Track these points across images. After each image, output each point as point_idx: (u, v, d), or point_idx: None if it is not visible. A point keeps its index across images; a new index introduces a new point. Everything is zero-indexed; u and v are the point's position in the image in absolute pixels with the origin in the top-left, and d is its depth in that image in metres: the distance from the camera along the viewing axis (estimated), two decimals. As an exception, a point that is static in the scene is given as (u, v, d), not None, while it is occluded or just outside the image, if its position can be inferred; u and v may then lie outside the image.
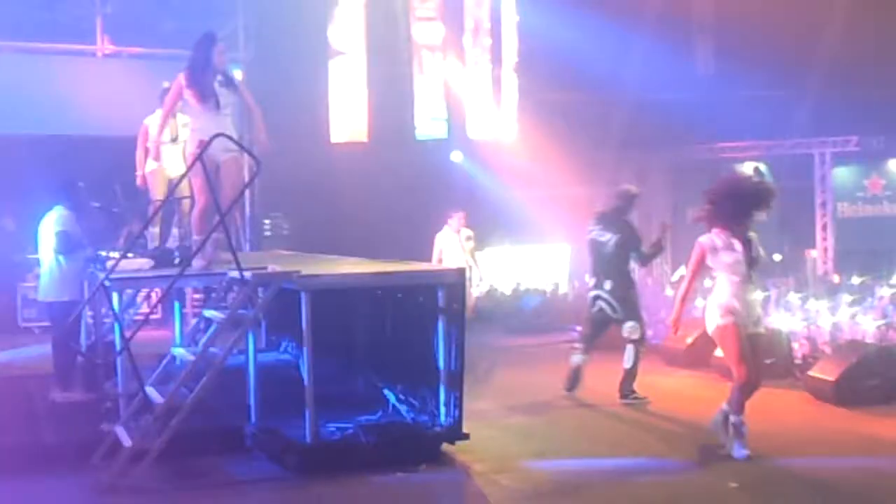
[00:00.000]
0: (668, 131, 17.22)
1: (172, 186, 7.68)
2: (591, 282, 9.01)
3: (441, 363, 6.83)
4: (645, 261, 9.23)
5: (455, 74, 17.65)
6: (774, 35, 17.94)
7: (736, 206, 6.72)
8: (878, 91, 17.34)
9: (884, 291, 12.63)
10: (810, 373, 8.94)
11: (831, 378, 8.53)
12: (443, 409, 6.86)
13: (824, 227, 18.02)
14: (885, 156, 18.68)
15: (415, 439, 6.83)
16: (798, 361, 9.77)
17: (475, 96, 17.96)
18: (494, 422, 7.99)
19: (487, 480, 6.32)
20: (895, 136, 17.33)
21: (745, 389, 6.68)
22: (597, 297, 8.88)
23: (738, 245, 6.70)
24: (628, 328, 8.75)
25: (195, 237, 7.21)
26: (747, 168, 18.36)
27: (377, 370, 7.82)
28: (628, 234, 8.89)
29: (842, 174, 18.74)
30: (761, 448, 6.80)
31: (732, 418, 6.69)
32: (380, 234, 14.07)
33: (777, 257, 18.82)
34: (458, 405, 6.78)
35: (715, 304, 6.77)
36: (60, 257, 8.28)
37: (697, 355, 10.20)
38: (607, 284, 8.79)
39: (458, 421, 6.79)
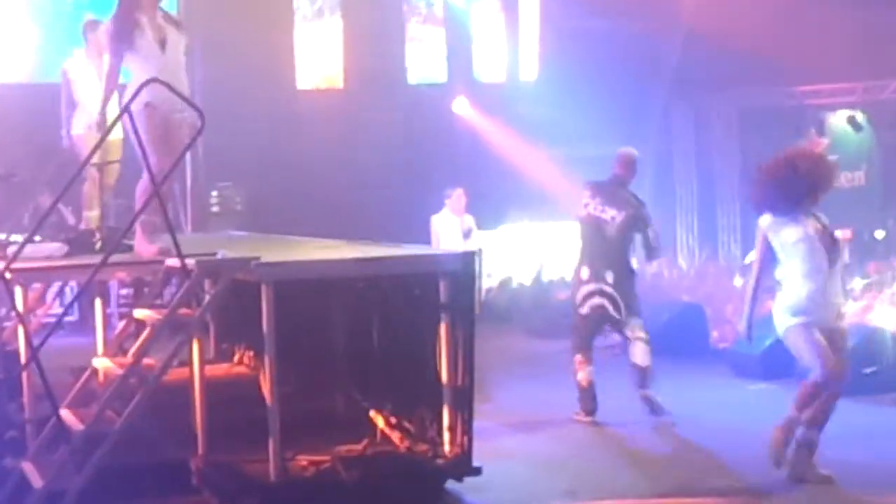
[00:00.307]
0: (735, 68, 17.13)
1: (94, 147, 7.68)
2: (585, 273, 9.04)
3: (444, 376, 6.85)
4: (652, 254, 9.31)
5: (458, -1, 17.64)
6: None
7: (785, 193, 7.10)
8: None
9: None
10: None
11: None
12: (446, 436, 6.88)
13: (941, 194, 17.99)
14: None
15: (411, 475, 6.85)
16: (908, 370, 9.82)
17: (484, 27, 17.89)
18: (513, 452, 8.03)
19: (505, 528, 6.38)
20: None
21: (821, 388, 6.93)
22: (595, 293, 8.97)
23: (804, 219, 7.08)
24: (635, 327, 8.95)
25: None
26: (839, 119, 18.42)
27: (361, 385, 7.85)
28: (639, 210, 9.00)
29: (961, 124, 18.68)
30: (860, 484, 6.90)
31: (803, 433, 6.99)
32: (362, 209, 14.10)
33: (879, 234, 18.79)
34: (467, 431, 6.80)
35: (783, 302, 7.16)
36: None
37: (775, 363, 10.20)
38: (609, 276, 8.92)
39: (467, 451, 6.81)
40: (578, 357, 9.07)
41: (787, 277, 7.17)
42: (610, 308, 8.93)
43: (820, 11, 17.12)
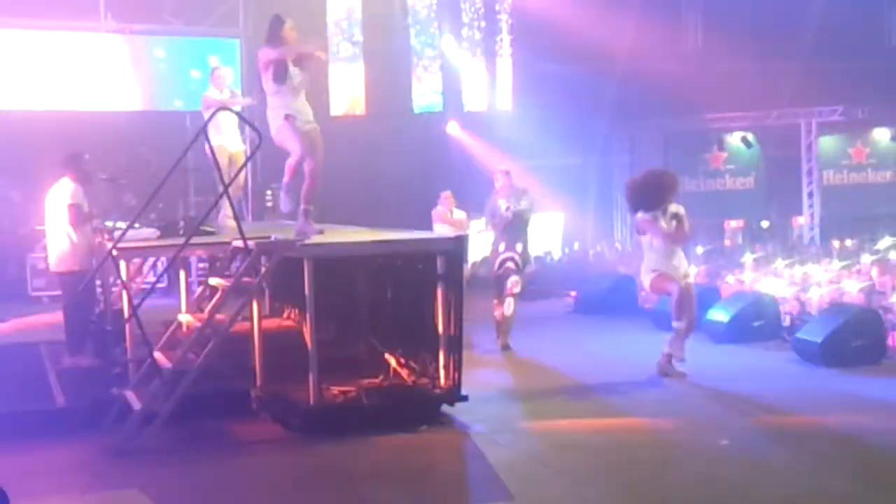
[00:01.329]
0: (658, 102, 17.15)
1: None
2: (502, 247, 9.67)
3: (440, 328, 6.84)
4: None
5: (451, 46, 17.52)
6: (761, 8, 17.90)
7: (651, 196, 8.13)
8: (861, 62, 17.31)
9: (866, 258, 12.67)
10: (798, 335, 8.98)
11: (817, 339, 8.57)
12: (442, 373, 6.88)
13: (810, 195, 18.00)
14: (869, 125, 18.62)
15: (415, 401, 6.87)
16: (786, 325, 9.82)
17: (471, 68, 17.83)
18: (492, 385, 8.02)
19: (486, 440, 6.35)
20: (879, 105, 17.25)
21: (683, 302, 8.01)
22: (508, 259, 9.64)
23: (658, 212, 8.08)
24: (513, 282, 9.61)
25: (303, 206, 7.33)
26: (735, 139, 18.46)
27: (378, 335, 7.83)
28: (529, 195, 9.94)
29: (827, 143, 18.69)
30: (751, 407, 6.93)
31: (675, 325, 8.00)
32: (378, 205, 14.04)
33: (764, 224, 18.89)
34: (458, 368, 6.80)
35: (648, 265, 8.19)
36: (69, 228, 8.23)
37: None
38: (519, 247, 9.70)
39: (458, 383, 6.81)
40: (496, 301, 9.71)
41: (649, 250, 8.16)
42: (513, 266, 9.60)
43: (722, 59, 17.18)
